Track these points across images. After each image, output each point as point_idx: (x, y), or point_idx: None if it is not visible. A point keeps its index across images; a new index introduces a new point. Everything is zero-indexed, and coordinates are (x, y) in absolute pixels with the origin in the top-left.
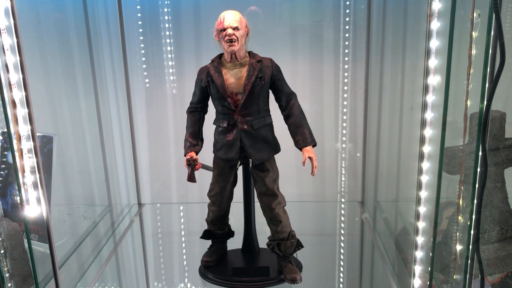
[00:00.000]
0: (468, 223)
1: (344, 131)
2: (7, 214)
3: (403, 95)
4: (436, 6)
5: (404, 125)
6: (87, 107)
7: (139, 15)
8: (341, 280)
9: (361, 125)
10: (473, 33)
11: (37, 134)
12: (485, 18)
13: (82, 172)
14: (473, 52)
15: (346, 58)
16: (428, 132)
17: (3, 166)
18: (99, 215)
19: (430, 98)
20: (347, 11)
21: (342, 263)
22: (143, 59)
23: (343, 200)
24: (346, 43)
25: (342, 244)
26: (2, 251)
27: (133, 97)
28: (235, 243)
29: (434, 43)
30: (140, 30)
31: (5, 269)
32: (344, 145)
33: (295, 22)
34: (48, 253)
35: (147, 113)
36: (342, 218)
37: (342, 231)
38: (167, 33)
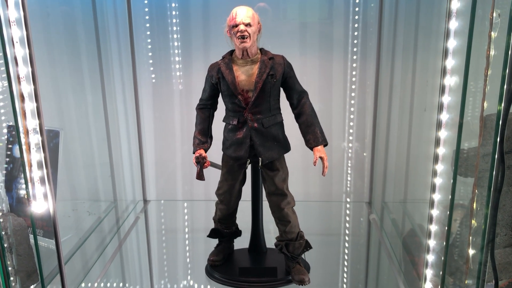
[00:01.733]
0: (483, 227)
1: (351, 130)
2: (12, 209)
3: (414, 95)
4: (455, 5)
5: (414, 125)
6: (94, 102)
7: (146, 9)
8: (349, 281)
9: (369, 125)
10: (492, 33)
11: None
12: (506, 18)
13: (88, 167)
14: (492, 53)
15: (355, 57)
16: (443, 133)
17: (8, 159)
18: (104, 211)
19: (446, 99)
20: (356, 9)
21: (347, 263)
22: (150, 54)
23: (348, 200)
24: (355, 41)
25: (349, 245)
26: (7, 246)
27: (140, 92)
28: (241, 242)
29: (452, 43)
30: (147, 25)
31: (8, 262)
32: (350, 144)
33: (304, 19)
34: (52, 249)
35: (154, 109)
36: (347, 219)
37: (349, 232)
38: (175, 28)
